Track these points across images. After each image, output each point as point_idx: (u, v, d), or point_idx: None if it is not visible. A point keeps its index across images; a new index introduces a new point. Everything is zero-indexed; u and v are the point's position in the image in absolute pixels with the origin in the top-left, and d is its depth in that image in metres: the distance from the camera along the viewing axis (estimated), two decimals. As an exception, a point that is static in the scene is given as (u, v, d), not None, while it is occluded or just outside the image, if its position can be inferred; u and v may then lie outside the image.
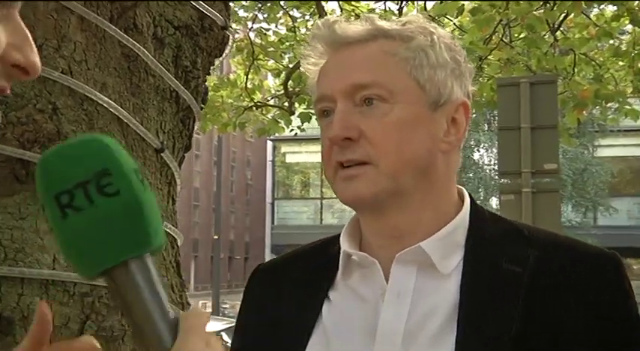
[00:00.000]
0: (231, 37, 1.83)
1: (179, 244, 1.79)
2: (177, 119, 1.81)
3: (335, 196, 1.09)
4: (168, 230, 1.68)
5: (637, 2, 5.06)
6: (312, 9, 6.42)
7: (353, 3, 6.05)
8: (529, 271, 1.04)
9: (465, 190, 1.16)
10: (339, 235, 1.16)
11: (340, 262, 1.12)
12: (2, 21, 0.64)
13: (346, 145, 1.03)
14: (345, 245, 1.11)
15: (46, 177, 0.60)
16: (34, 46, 0.63)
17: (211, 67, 1.93)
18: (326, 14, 5.83)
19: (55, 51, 1.51)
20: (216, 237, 20.71)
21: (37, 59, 0.63)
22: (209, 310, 20.23)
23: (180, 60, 1.78)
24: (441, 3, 5.71)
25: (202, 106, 1.87)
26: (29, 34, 0.64)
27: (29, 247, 1.50)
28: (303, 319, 1.13)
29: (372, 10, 5.97)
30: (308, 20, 6.72)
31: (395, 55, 1.04)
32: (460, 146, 1.13)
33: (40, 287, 1.48)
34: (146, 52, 1.64)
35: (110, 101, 1.57)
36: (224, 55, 1.94)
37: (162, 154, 1.71)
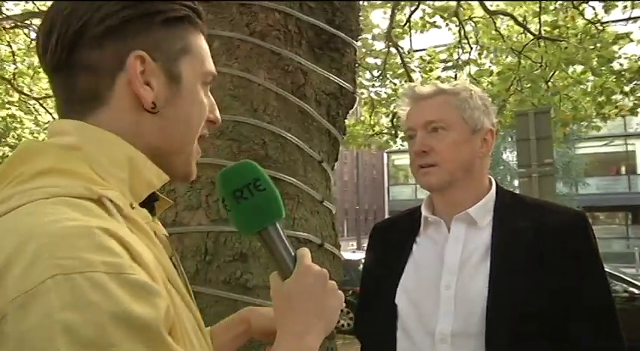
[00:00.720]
0: (357, 97, 2.28)
1: (334, 212, 2.25)
2: (330, 144, 2.29)
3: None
4: (328, 205, 2.18)
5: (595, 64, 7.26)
6: (405, 79, 8.03)
7: (428, 72, 7.81)
8: (532, 224, 1.34)
9: (492, 178, 1.49)
10: (420, 206, 1.52)
11: (422, 222, 1.48)
12: (207, 91, 0.83)
13: (423, 155, 1.39)
14: (424, 212, 1.48)
15: (227, 182, 0.84)
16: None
17: (348, 114, 2.40)
18: (412, 80, 7.46)
19: (263, 111, 2.05)
20: (357, 207, 35.37)
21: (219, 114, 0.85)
22: (355, 247, 27.50)
23: (330, 112, 2.27)
24: (479, 69, 8.28)
25: (343, 136, 2.37)
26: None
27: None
28: (402, 254, 1.48)
29: (439, 77, 7.54)
30: (402, 85, 8.57)
31: (450, 104, 1.40)
32: (489, 154, 1.45)
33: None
34: (311, 109, 2.14)
35: (294, 137, 2.08)
36: (354, 107, 2.37)
37: (322, 164, 2.21)
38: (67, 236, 0.56)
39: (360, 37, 2.51)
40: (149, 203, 0.78)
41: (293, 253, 0.86)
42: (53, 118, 12.38)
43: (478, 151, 1.40)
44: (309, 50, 2.21)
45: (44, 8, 10.07)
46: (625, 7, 7.78)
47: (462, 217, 1.40)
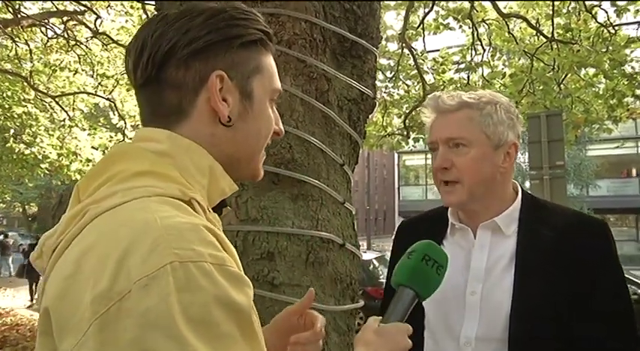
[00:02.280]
0: (377, 102, 2.50)
1: (354, 213, 2.35)
2: (351, 148, 2.37)
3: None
4: (348, 206, 2.26)
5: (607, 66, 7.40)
6: (418, 80, 8.09)
7: (440, 74, 7.95)
8: (556, 233, 1.37)
9: (518, 185, 1.50)
10: (447, 208, 1.52)
11: (449, 228, 1.52)
12: (274, 106, 0.91)
13: (444, 171, 1.41)
14: (451, 218, 1.52)
15: (428, 248, 1.10)
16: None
17: (368, 119, 2.47)
18: (425, 82, 7.52)
19: (290, 117, 2.12)
20: (368, 207, 35.34)
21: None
22: (365, 247, 27.40)
23: (352, 117, 2.35)
24: (492, 71, 8.43)
25: (363, 140, 2.44)
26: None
27: (280, 216, 2.02)
28: None
29: (451, 79, 7.66)
30: (415, 86, 8.61)
31: (473, 119, 1.38)
32: (513, 166, 1.45)
33: (285, 237, 2.02)
34: (334, 114, 2.21)
35: (317, 141, 2.14)
36: (374, 111, 2.54)
37: (344, 167, 2.29)
38: (180, 230, 0.65)
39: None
40: (218, 209, 0.88)
41: (404, 318, 1.04)
42: (69, 116, 12.62)
43: (500, 166, 1.41)
44: (333, 57, 2.29)
45: (61, 7, 10.23)
46: (637, 10, 7.85)
47: (488, 224, 1.43)
